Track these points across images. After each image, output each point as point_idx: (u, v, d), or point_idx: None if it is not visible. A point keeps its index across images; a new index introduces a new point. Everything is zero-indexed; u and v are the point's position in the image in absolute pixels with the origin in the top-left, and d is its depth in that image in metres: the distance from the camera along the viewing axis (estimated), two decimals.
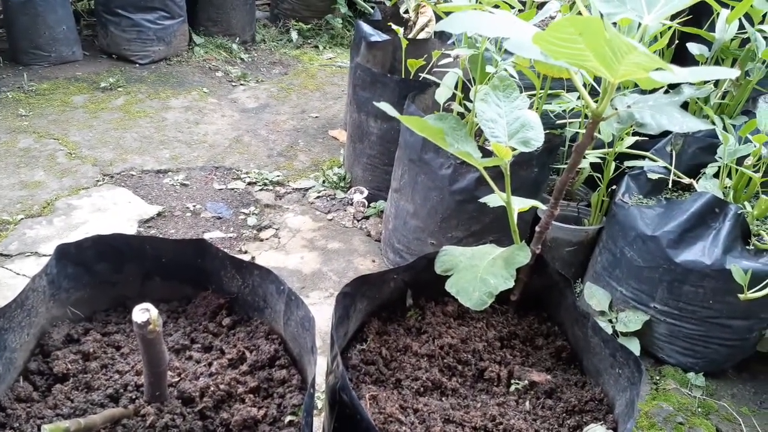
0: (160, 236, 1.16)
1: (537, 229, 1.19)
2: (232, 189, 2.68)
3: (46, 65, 3.64)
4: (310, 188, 2.71)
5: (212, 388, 0.99)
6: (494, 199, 1.30)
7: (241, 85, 3.84)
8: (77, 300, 1.11)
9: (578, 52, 0.85)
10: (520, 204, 1.23)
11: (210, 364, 1.04)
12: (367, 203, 2.54)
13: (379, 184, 2.54)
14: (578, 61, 0.87)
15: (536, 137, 1.17)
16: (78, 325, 1.09)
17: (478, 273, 1.11)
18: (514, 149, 1.11)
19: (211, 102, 3.54)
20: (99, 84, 3.50)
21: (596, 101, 1.02)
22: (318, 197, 2.65)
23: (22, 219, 2.26)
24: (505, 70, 1.69)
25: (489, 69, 1.71)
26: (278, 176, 2.79)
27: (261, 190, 2.69)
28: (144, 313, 0.85)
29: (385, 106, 1.12)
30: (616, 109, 1.05)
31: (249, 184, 2.73)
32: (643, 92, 1.75)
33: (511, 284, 1.05)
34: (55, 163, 2.69)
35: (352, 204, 2.55)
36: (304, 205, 2.62)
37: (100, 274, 1.12)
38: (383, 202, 2.48)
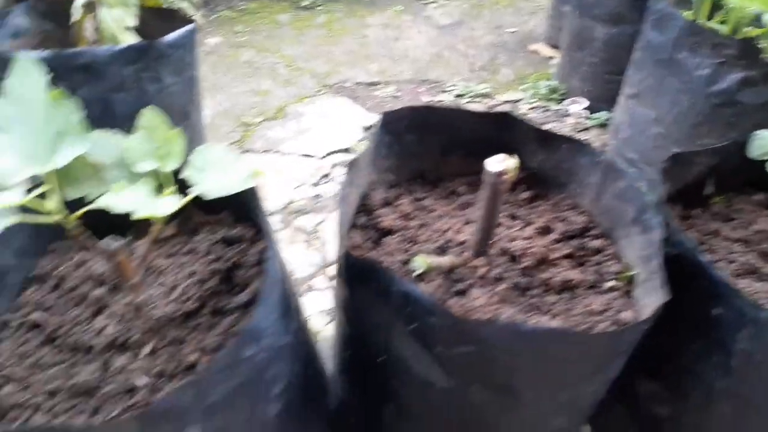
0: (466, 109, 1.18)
1: None
2: (440, 101, 2.70)
3: None
4: (519, 100, 2.66)
5: (532, 249, 1.01)
6: None
7: (432, 2, 3.81)
8: (386, 168, 1.18)
9: None
10: None
11: (522, 230, 1.07)
12: (588, 114, 2.45)
13: (599, 94, 2.43)
14: None
15: None
16: (390, 190, 1.16)
17: None
18: None
19: (406, 19, 3.55)
20: (299, 3, 3.65)
21: None
22: (531, 108, 2.59)
23: (261, 122, 2.45)
24: None
25: None
26: (485, 89, 2.76)
27: (470, 102, 2.69)
28: (499, 163, 0.88)
29: None
30: None
31: (457, 96, 2.73)
32: None
33: None
34: (276, 74, 2.86)
35: (568, 115, 2.47)
36: None
37: (407, 145, 1.18)
38: (606, 113, 2.38)
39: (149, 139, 0.82)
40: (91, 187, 0.81)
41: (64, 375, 0.88)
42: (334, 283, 1.15)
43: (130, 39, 1.59)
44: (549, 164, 1.14)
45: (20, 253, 1.00)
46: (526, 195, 1.16)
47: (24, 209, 0.78)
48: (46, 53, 1.43)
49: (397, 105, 2.66)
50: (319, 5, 3.65)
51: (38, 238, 1.04)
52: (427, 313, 0.77)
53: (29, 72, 0.80)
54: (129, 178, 0.81)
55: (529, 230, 1.07)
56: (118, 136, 0.83)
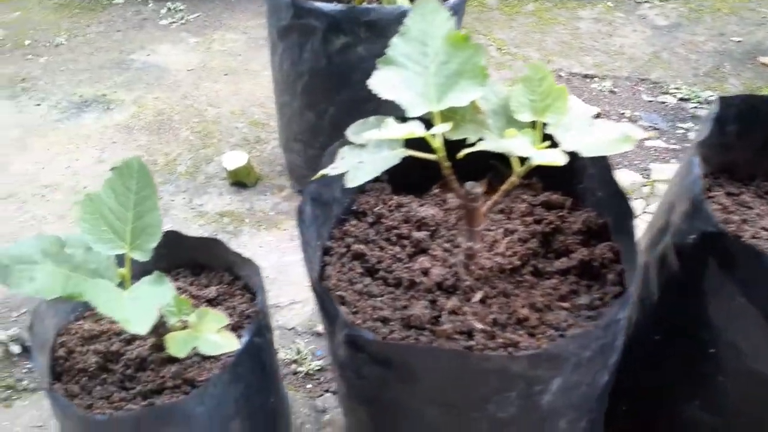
0: None
1: None
2: (663, 102, 2.56)
3: None
4: None
5: None
6: None
7: (646, 2, 3.62)
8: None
9: None
10: None
11: None
12: None
13: None
14: None
15: None
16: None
17: None
18: None
19: (618, 16, 3.40)
20: None
21: None
22: None
23: None
24: None
25: None
26: (712, 96, 2.58)
27: (696, 107, 2.52)
28: None
29: None
30: None
31: (680, 99, 2.58)
32: None
33: None
34: (489, 56, 2.86)
35: None
36: None
37: (725, 135, 1.11)
38: None
39: (530, 91, 0.83)
40: (469, 131, 0.84)
41: (392, 306, 0.92)
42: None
43: (407, 3, 1.64)
44: None
45: (344, 188, 1.06)
46: None
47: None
48: (339, 6, 1.51)
49: (615, 101, 2.56)
50: None
51: None
52: None
53: (430, 14, 0.83)
54: (507, 127, 0.83)
55: None
56: (499, 84, 0.85)
